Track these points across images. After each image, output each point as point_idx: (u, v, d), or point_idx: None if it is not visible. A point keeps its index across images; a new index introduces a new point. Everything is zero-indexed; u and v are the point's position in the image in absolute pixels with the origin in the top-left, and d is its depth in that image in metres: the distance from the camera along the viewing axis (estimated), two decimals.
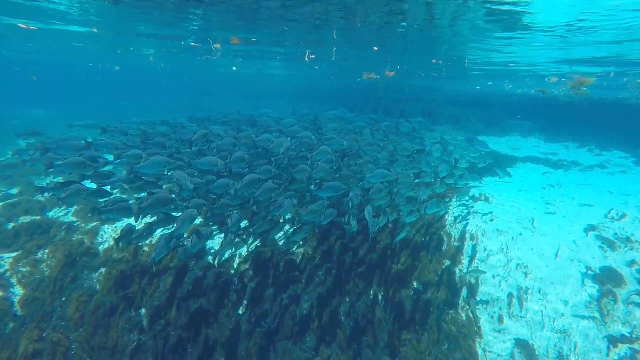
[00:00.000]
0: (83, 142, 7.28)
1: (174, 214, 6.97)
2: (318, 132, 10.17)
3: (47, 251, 8.10)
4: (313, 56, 18.56)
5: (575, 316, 8.20)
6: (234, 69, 30.79)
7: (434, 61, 18.67)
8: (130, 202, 6.63)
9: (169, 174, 6.79)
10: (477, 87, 30.98)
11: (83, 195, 6.51)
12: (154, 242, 8.97)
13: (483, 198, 12.54)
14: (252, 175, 7.68)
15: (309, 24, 13.10)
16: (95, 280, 7.82)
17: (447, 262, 9.73)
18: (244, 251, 9.37)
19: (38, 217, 9.14)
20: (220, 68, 35.20)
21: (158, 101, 44.02)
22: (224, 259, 8.79)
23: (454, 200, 12.17)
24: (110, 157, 7.67)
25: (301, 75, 38.16)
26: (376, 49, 15.27)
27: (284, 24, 13.42)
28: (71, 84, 70.86)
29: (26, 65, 47.50)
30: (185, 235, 8.55)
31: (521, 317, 8.41)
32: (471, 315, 8.65)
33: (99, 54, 28.29)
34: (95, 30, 17.06)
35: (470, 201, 12.26)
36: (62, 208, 9.75)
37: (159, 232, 8.54)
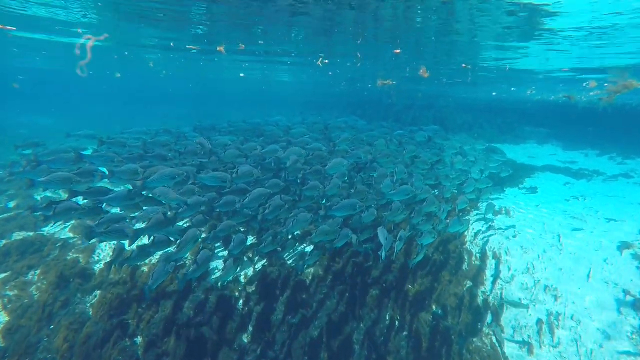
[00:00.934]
0: (73, 154, 6.74)
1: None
2: (329, 142, 9.55)
3: (38, 272, 7.56)
4: (327, 61, 17.99)
5: (616, 348, 7.39)
6: (242, 75, 30.35)
7: (463, 65, 17.93)
8: (126, 222, 6.06)
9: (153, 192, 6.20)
10: (494, 93, 30.15)
11: (74, 214, 5.95)
12: (154, 261, 8.40)
13: (504, 211, 11.78)
14: (260, 189, 7.08)
15: (321, 26, 12.55)
16: (88, 305, 7.23)
17: (469, 283, 8.99)
18: (250, 270, 8.75)
19: (31, 234, 8.62)
20: (226, 74, 34.88)
21: (164, 109, 43.87)
22: (227, 281, 8.16)
23: (473, 214, 11.44)
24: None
25: (310, 82, 37.69)
26: (398, 51, 14.59)
27: (293, 26, 12.90)
28: (77, 93, 71.40)
29: (32, 73, 47.81)
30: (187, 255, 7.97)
31: (553, 347, 7.62)
32: (496, 344, 7.88)
33: (99, 60, 28.01)
34: (103, 37, 16.78)
35: (491, 215, 11.51)
36: (59, 223, 9.23)
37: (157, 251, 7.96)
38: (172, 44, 17.38)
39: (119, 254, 5.95)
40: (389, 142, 10.65)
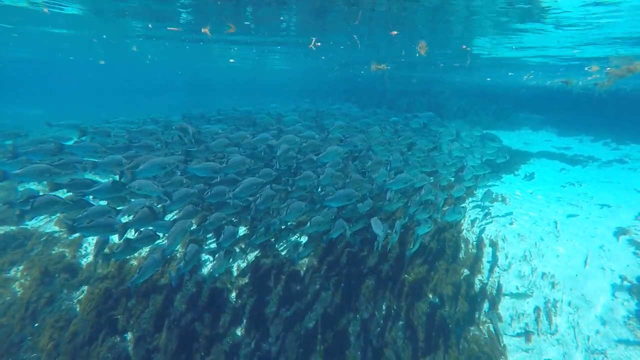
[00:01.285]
0: (52, 145, 6.40)
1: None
2: (321, 130, 9.29)
3: (21, 268, 7.28)
4: (319, 44, 17.39)
5: (613, 334, 7.33)
6: (231, 60, 29.48)
7: (463, 47, 17.42)
8: (111, 215, 5.79)
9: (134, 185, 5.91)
10: (488, 79, 29.77)
11: (56, 208, 5.66)
12: (143, 254, 8.15)
13: (500, 198, 11.66)
14: (251, 179, 6.82)
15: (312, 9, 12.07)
16: (75, 301, 6.99)
17: (465, 272, 8.87)
18: (242, 262, 8.54)
19: (14, 228, 8.30)
20: (217, 61, 34.10)
21: (153, 98, 43.01)
22: (219, 273, 7.95)
23: (469, 201, 11.29)
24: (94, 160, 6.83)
25: (303, 68, 37.03)
26: (395, 32, 14.01)
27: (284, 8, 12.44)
28: (66, 82, 69.76)
29: (20, 63, 46.54)
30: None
31: (551, 334, 7.55)
32: (494, 332, 7.80)
33: (79, 44, 27.08)
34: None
35: (488, 202, 11.36)
36: (43, 217, 8.91)
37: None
38: (150, 26, 16.44)
39: (101, 247, 5.70)
40: (383, 129, 10.40)
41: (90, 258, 7.85)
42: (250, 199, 6.66)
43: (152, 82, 70.89)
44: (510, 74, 28.48)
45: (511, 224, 10.24)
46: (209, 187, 6.42)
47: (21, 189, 8.71)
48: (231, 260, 6.55)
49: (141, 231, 5.72)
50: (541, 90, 28.16)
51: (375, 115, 15.12)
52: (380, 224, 6.93)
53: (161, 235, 6.34)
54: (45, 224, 8.88)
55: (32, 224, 8.89)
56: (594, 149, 19.87)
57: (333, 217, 7.24)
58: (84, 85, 65.57)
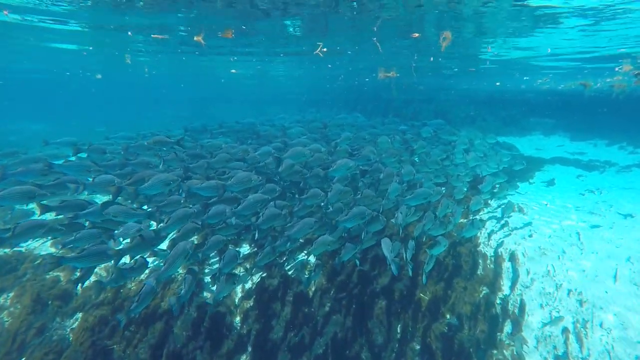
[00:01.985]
0: (42, 164, 6.02)
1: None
2: (328, 142, 8.85)
3: (11, 295, 6.85)
4: (325, 49, 16.89)
5: None
6: (233, 71, 29.09)
7: (488, 49, 16.75)
8: (103, 240, 5.37)
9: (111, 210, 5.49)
10: (497, 83, 29.04)
11: (42, 233, 5.24)
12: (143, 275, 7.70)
13: (517, 208, 11.07)
14: (255, 195, 6.37)
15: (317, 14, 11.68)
16: (68, 330, 6.54)
17: (484, 289, 8.29)
18: (247, 282, 8.06)
19: (7, 251, 7.91)
20: (219, 72, 33.89)
21: (158, 111, 43.00)
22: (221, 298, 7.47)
23: (484, 212, 10.74)
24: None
25: (307, 77, 36.70)
26: (417, 35, 13.24)
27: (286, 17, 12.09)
28: (69, 96, 70.14)
29: (23, 77, 46.82)
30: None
31: (582, 358, 6.93)
32: (518, 357, 7.20)
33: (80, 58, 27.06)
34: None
35: (508, 216, 10.78)
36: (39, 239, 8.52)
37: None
38: (129, 34, 15.87)
39: (85, 273, 5.27)
40: (392, 139, 9.92)
41: (86, 282, 7.41)
42: (254, 218, 6.20)
43: (154, 96, 71.13)
44: (525, 78, 27.70)
45: (530, 236, 9.65)
46: (208, 206, 5.98)
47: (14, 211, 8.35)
48: (234, 284, 6.06)
49: (137, 259, 5.29)
50: (552, 94, 27.51)
51: (383, 126, 14.70)
52: (390, 245, 6.43)
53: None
54: (41, 245, 8.48)
55: (27, 245, 8.50)
56: (610, 153, 19.21)
57: (341, 235, 6.78)
58: (86, 100, 66.03)
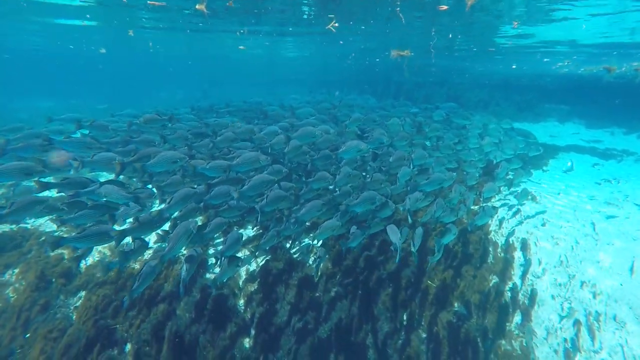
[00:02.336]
0: (42, 140, 5.85)
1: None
2: (336, 124, 8.56)
3: (16, 271, 6.81)
4: (337, 24, 16.07)
5: None
6: (241, 47, 27.97)
7: (515, 24, 15.59)
8: (104, 222, 5.23)
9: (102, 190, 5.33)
10: (513, 66, 27.79)
11: (41, 210, 5.11)
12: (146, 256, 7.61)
13: (530, 196, 10.75)
14: (261, 176, 6.16)
15: None
16: (72, 308, 6.50)
17: (494, 278, 8.09)
18: (252, 265, 7.95)
19: (13, 227, 7.86)
20: (228, 50, 33.09)
21: (163, 90, 42.63)
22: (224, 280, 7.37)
23: (496, 200, 10.44)
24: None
25: (317, 57, 35.81)
26: (445, 7, 12.24)
27: None
28: (77, 74, 69.56)
29: (31, 54, 46.57)
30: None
31: (594, 352, 6.74)
32: (527, 348, 7.03)
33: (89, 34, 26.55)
34: None
35: (514, 199, 10.48)
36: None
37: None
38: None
39: (85, 252, 5.15)
40: (403, 122, 9.58)
41: (89, 261, 7.36)
42: (258, 200, 6.01)
43: (163, 74, 70.09)
44: (545, 59, 26.32)
45: (543, 225, 9.37)
46: (211, 186, 5.79)
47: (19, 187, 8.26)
48: (238, 267, 5.92)
49: (137, 241, 5.16)
50: (568, 79, 26.59)
51: (393, 108, 14.29)
52: (397, 232, 6.23)
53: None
54: (46, 222, 8.43)
55: (32, 222, 8.45)
56: (628, 142, 18.58)
57: (348, 219, 6.58)
58: (94, 77, 65.61)
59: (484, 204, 7.59)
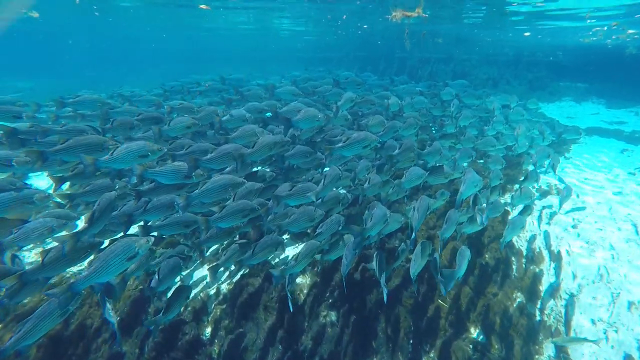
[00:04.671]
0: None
1: None
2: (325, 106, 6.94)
3: None
4: None
5: None
6: (202, 6, 23.84)
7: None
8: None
9: None
10: (526, 34, 24.86)
11: None
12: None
13: (554, 190, 9.21)
14: (222, 177, 4.59)
15: None
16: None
17: (519, 297, 6.63)
18: (223, 282, 6.48)
19: None
20: (208, 24, 30.37)
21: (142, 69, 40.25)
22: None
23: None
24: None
25: (314, 32, 33.37)
26: None
27: None
28: (58, 51, 65.72)
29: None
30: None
31: None
32: None
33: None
34: None
35: (536, 194, 8.95)
36: None
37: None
38: None
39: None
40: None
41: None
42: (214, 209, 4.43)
43: (145, 51, 66.01)
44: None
45: (575, 227, 7.87)
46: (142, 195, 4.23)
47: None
48: (187, 298, 4.46)
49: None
50: (584, 53, 24.47)
51: (393, 85, 12.58)
52: (381, 257, 4.81)
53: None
54: None
55: None
56: None
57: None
58: (64, 54, 62.25)
59: (515, 217, 6.02)
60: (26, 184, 4.96)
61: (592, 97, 21.16)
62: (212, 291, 6.35)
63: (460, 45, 28.98)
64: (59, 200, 4.32)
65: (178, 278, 6.32)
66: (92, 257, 3.87)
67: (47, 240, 4.90)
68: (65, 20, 33.22)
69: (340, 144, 5.18)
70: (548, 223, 7.96)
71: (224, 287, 6.37)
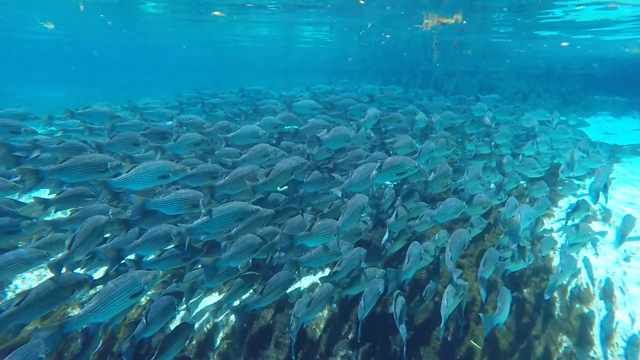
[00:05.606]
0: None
1: None
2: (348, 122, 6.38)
3: None
4: (362, 2, 13.50)
5: None
6: (216, 13, 22.77)
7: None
8: None
9: None
10: (563, 44, 23.66)
11: None
12: None
13: (599, 216, 8.30)
14: (232, 204, 4.07)
15: None
16: None
17: (566, 341, 5.80)
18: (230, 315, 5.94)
19: None
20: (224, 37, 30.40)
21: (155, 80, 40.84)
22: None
23: (552, 220, 8.06)
24: None
25: (337, 42, 33.01)
26: None
27: None
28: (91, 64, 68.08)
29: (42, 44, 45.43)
30: None
31: None
32: None
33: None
34: None
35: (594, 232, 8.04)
36: None
37: None
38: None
39: None
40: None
41: None
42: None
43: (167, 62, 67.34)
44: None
45: (628, 259, 6.97)
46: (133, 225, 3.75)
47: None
48: (187, 337, 3.93)
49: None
50: (622, 65, 23.10)
51: (418, 99, 11.97)
52: (401, 302, 4.20)
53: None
54: None
55: None
56: None
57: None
58: (90, 65, 64.26)
59: (568, 256, 5.26)
60: (21, 203, 4.61)
61: (632, 111, 19.82)
62: (220, 318, 5.83)
63: (489, 56, 28.04)
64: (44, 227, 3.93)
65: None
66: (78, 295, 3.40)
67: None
68: (86, 32, 34.18)
69: (375, 172, 4.55)
70: (596, 254, 7.09)
71: (233, 317, 5.83)
